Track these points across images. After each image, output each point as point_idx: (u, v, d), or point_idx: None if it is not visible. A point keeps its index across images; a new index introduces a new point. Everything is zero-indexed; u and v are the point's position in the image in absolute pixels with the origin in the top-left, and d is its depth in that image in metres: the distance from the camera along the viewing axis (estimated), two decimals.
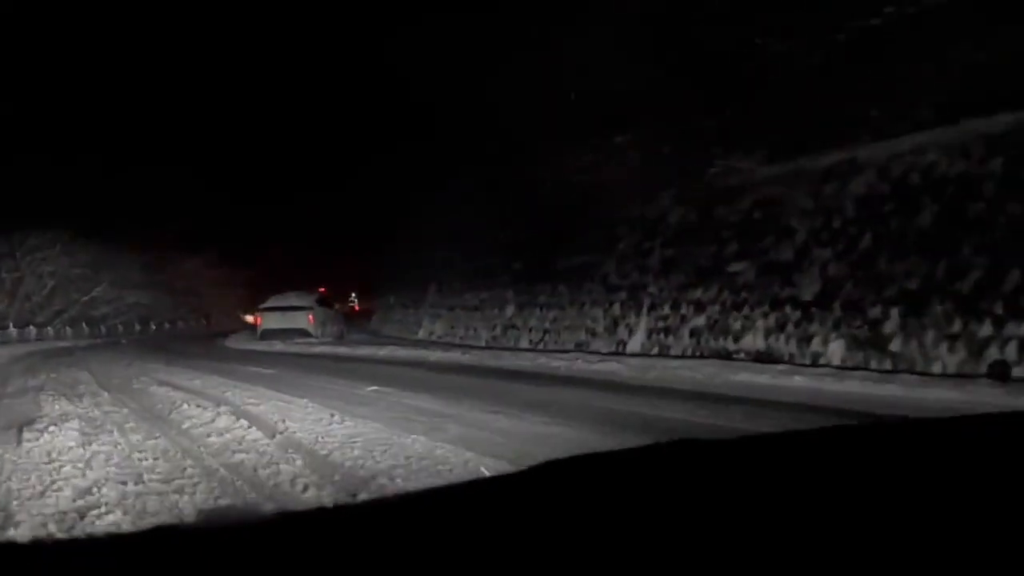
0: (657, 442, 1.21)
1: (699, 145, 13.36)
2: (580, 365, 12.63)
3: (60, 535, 4.07)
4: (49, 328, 38.52)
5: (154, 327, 48.53)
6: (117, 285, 46.95)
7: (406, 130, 26.38)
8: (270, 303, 25.28)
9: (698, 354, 12.32)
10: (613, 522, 0.85)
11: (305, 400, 9.38)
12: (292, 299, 24.99)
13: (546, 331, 16.71)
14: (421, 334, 23.54)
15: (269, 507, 4.40)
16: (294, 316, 24.23)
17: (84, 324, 41.50)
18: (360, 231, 52.04)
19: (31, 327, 36.64)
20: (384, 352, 17.87)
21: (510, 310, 18.34)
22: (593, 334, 15.16)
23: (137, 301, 48.98)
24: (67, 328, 39.75)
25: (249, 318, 66.66)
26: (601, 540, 0.80)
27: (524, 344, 17.27)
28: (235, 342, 27.35)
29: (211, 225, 59.87)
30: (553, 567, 0.74)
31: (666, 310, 13.37)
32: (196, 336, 38.13)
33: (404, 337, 25.13)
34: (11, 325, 35.04)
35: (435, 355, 16.15)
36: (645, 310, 13.87)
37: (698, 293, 12.75)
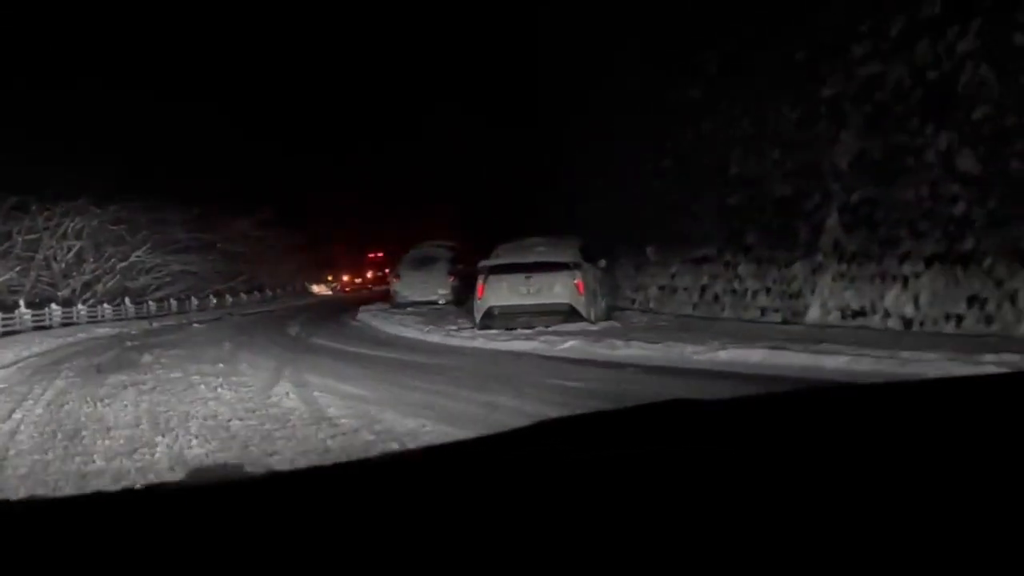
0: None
1: None
2: None
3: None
4: (79, 306, 27.11)
5: (214, 301, 37.31)
6: (159, 248, 35.49)
7: None
8: (499, 258, 13.43)
9: None
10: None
11: None
12: (541, 250, 13.25)
13: None
14: (814, 314, 11.87)
15: None
16: (549, 282, 12.61)
17: (126, 299, 30.17)
18: (468, 173, 40.47)
19: (53, 305, 25.25)
20: None
21: None
22: None
23: (184, 268, 37.45)
24: (103, 305, 28.40)
25: (317, 288, 55.96)
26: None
27: None
28: (403, 328, 15.77)
29: (261, 178, 50.73)
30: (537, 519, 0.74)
31: None
32: (298, 313, 25.33)
33: (727, 317, 13.60)
34: (22, 303, 23.49)
35: None
36: None
37: None
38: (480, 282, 13.07)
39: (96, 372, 11.06)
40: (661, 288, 16.55)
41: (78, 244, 31.13)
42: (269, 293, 45.79)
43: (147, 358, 12.48)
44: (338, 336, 15.48)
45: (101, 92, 33.29)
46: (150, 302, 31.71)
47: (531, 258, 13.03)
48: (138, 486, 1.74)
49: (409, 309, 21.16)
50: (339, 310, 26.29)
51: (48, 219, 29.92)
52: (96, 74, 33.75)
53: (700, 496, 0.79)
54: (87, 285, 30.90)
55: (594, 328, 12.52)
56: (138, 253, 34.12)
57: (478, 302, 13.12)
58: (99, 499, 1.00)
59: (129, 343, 16.27)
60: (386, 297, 29.70)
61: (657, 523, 0.73)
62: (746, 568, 0.65)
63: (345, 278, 53.68)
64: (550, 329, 12.44)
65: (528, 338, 11.48)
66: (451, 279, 22.01)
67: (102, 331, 21.35)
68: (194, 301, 35.43)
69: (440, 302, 21.67)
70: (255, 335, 16.64)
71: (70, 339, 18.71)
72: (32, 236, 29.31)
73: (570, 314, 12.64)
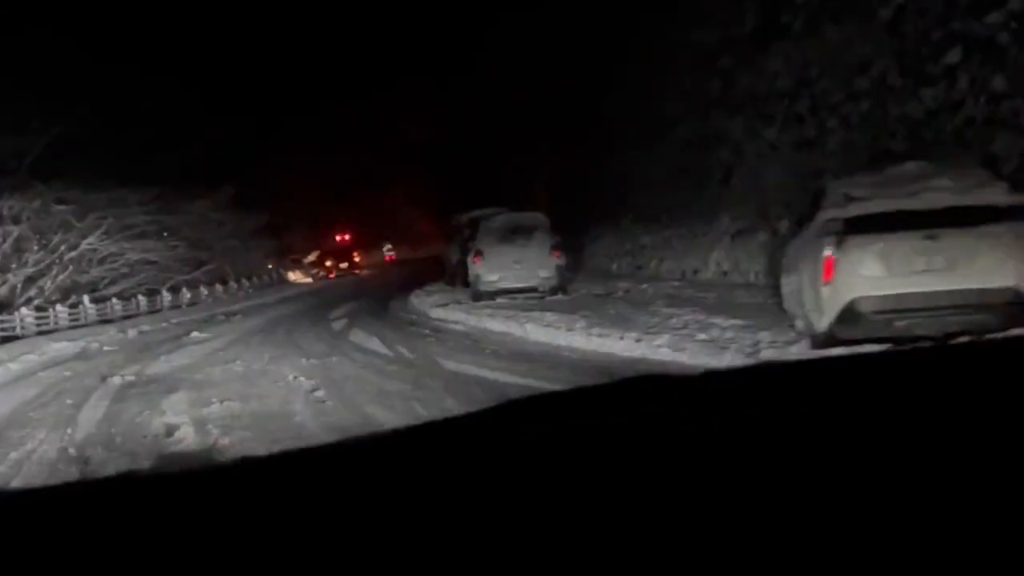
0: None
1: None
2: None
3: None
4: (23, 310, 20.22)
5: (188, 296, 30.48)
6: (112, 234, 28.59)
7: None
8: (860, 203, 6.92)
9: None
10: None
11: None
12: (943, 184, 6.89)
13: None
14: None
15: None
16: (972, 247, 6.43)
17: (85, 298, 23.31)
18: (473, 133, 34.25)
19: None
20: None
21: None
22: None
23: (143, 258, 30.45)
24: (55, 308, 21.53)
25: (294, 276, 48.93)
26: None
27: None
28: (595, 338, 9.47)
29: (219, 155, 44.15)
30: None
31: None
32: (322, 309, 16.61)
33: None
34: None
35: None
36: None
37: None
38: (827, 252, 6.74)
39: None
40: None
41: (16, 230, 24.26)
42: (246, 283, 38.93)
43: (185, 430, 6.04)
44: (486, 357, 9.13)
45: (48, 43, 26.68)
46: (115, 301, 24.83)
47: (927, 200, 6.75)
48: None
49: (499, 300, 15.05)
50: (372, 300, 19.94)
51: None
52: (44, 23, 27.05)
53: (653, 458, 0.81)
54: (30, 280, 24.06)
55: None
56: (90, 240, 27.25)
57: (823, 289, 6.77)
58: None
59: (117, 378, 9.71)
60: (407, 285, 23.25)
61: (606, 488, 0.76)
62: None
63: (328, 263, 46.86)
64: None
65: None
66: (555, 256, 15.75)
67: (60, 347, 14.69)
68: (166, 296, 28.57)
69: (540, 288, 15.47)
70: (323, 356, 10.19)
71: (14, 368, 12.04)
72: None
73: (1017, 313, 6.45)
